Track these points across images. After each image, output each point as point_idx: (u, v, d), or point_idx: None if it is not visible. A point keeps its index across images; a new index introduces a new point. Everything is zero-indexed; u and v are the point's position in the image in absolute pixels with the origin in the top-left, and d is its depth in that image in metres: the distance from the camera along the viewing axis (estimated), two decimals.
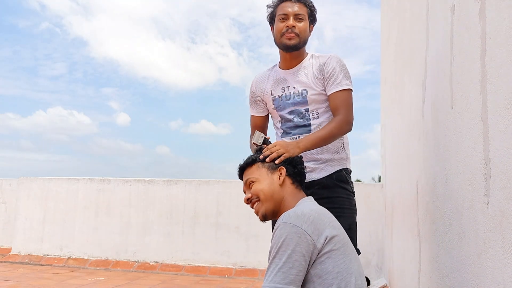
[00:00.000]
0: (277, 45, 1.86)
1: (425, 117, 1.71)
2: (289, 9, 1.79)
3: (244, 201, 1.46)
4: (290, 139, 1.81)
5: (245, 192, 1.47)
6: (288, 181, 1.42)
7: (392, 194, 3.20)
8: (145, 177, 4.95)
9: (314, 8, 1.85)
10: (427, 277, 1.63)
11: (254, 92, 1.97)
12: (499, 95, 0.85)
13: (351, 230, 1.78)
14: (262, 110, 1.97)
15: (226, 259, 4.43)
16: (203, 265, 4.43)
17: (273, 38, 1.88)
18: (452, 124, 1.23)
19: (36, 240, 4.99)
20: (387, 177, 3.73)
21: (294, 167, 1.46)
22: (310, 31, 1.86)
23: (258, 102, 1.96)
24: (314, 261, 1.17)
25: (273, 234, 1.22)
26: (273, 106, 1.89)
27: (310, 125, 1.82)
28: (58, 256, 4.87)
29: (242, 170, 1.49)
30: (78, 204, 4.95)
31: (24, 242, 5.03)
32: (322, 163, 1.82)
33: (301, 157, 1.57)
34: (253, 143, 1.67)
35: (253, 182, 1.42)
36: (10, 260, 4.89)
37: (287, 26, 1.78)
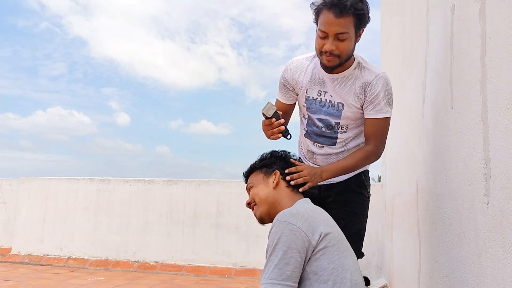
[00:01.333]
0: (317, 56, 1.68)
1: (425, 117, 1.71)
2: (330, 27, 1.53)
3: (245, 205, 1.56)
4: (314, 144, 1.79)
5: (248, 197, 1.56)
6: (283, 184, 1.47)
7: (392, 194, 3.20)
8: (145, 177, 4.95)
9: (364, 10, 1.55)
10: (427, 277, 1.63)
11: (286, 80, 1.77)
12: (499, 95, 0.85)
13: (359, 235, 1.79)
14: (291, 99, 1.81)
15: (226, 259, 4.43)
16: (203, 265, 4.43)
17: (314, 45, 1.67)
18: (452, 124, 1.23)
19: (36, 240, 4.99)
20: (387, 177, 3.73)
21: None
22: (358, 39, 1.62)
23: (289, 91, 1.79)
24: (309, 258, 1.19)
25: (269, 233, 1.24)
26: (305, 104, 1.77)
27: (336, 138, 1.75)
28: (58, 256, 4.87)
29: (246, 177, 1.59)
30: (78, 204, 4.95)
31: (24, 242, 5.03)
32: None
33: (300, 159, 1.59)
34: (263, 113, 1.59)
35: (252, 187, 1.52)
36: (10, 260, 4.89)
37: (326, 50, 1.57)
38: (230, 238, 4.46)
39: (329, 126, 1.73)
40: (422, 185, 1.77)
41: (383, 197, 4.02)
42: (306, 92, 1.74)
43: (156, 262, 4.55)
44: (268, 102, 1.59)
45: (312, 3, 1.59)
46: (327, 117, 1.72)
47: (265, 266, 1.19)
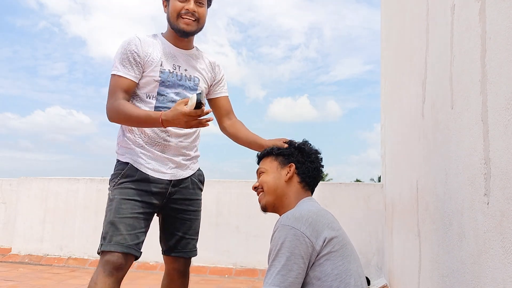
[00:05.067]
0: (170, 25, 1.71)
1: (425, 117, 1.71)
2: None
3: (252, 188, 1.50)
4: None
5: (257, 180, 1.51)
6: (296, 179, 1.42)
7: (392, 194, 3.20)
8: None
9: None
10: (427, 277, 1.63)
11: (136, 53, 1.65)
12: (499, 95, 0.85)
13: (198, 232, 1.85)
14: (138, 75, 1.67)
15: (226, 259, 4.43)
16: (203, 265, 4.43)
17: (166, 15, 1.73)
18: (452, 124, 1.23)
19: (36, 240, 4.99)
20: (387, 177, 3.73)
21: (306, 166, 1.44)
22: (207, 11, 1.75)
23: (139, 65, 1.66)
24: (313, 263, 1.17)
25: (272, 236, 1.22)
26: (159, 79, 1.67)
27: None
28: (58, 256, 4.87)
29: (260, 158, 1.53)
30: (78, 204, 4.95)
31: (24, 242, 5.03)
32: (189, 159, 1.78)
33: (319, 155, 1.50)
34: (200, 103, 1.46)
35: (263, 172, 1.46)
36: (10, 260, 4.89)
37: (187, 9, 1.66)
38: (230, 238, 4.46)
39: None
40: (422, 185, 1.77)
41: (383, 197, 4.02)
42: (161, 65, 1.69)
43: (156, 262, 4.54)
44: (201, 91, 1.58)
45: None
46: (184, 92, 1.71)
47: (268, 271, 1.18)
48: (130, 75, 1.65)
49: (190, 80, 1.73)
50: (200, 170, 1.86)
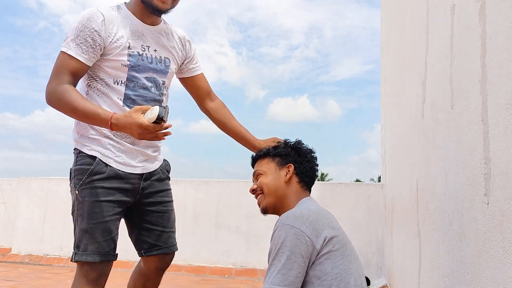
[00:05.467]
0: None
1: (425, 117, 1.71)
2: None
3: (250, 191, 1.48)
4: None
5: (253, 182, 1.49)
6: (295, 180, 1.42)
7: (392, 194, 3.20)
8: None
9: None
10: (427, 277, 1.63)
11: (97, 31, 1.42)
12: (499, 95, 0.85)
13: (175, 223, 1.73)
14: (93, 59, 1.45)
15: (226, 259, 4.43)
16: (203, 265, 4.43)
17: None
18: (452, 124, 1.23)
19: (36, 240, 4.99)
20: (387, 177, 3.73)
21: (304, 166, 1.44)
22: None
23: (97, 48, 1.44)
24: (313, 263, 1.17)
25: (272, 235, 1.22)
26: (128, 63, 1.48)
27: (162, 101, 1.60)
28: (58, 256, 4.87)
29: (254, 161, 1.51)
30: None
31: (24, 242, 5.03)
32: (156, 150, 1.66)
33: (313, 154, 1.49)
34: (161, 119, 1.35)
35: (261, 174, 1.44)
36: (10, 260, 4.88)
37: None
38: (230, 238, 4.46)
39: (158, 86, 1.57)
40: (422, 185, 1.77)
41: (383, 197, 4.02)
42: (129, 47, 1.48)
43: None
44: (166, 106, 1.39)
45: None
46: (155, 75, 1.55)
47: (268, 270, 1.18)
48: (83, 57, 1.42)
49: (161, 62, 1.57)
50: (166, 160, 1.74)
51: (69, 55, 1.41)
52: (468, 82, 1.07)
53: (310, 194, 1.46)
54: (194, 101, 1.82)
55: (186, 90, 1.82)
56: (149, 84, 1.54)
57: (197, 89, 1.77)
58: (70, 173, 1.54)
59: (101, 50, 1.45)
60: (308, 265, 1.17)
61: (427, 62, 1.68)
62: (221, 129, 1.80)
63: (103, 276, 1.50)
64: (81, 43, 1.42)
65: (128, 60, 1.48)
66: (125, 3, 1.57)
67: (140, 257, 1.71)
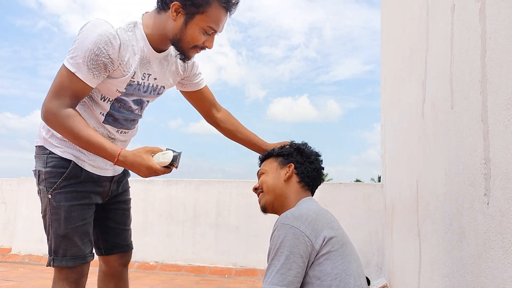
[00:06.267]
0: (175, 44, 1.42)
1: (425, 117, 1.71)
2: (222, 26, 1.42)
3: (252, 190, 1.50)
4: (118, 131, 1.53)
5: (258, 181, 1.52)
6: (295, 179, 1.43)
7: (392, 194, 3.20)
8: None
9: None
10: (427, 277, 1.63)
11: (110, 57, 1.33)
12: (499, 95, 0.85)
13: (131, 221, 1.75)
14: (99, 82, 1.38)
15: (226, 259, 4.43)
16: (203, 265, 4.43)
17: (173, 28, 1.38)
18: (452, 124, 1.23)
19: (36, 240, 4.99)
20: (387, 177, 3.73)
21: (305, 167, 1.44)
22: None
23: (108, 71, 1.36)
24: (312, 263, 1.17)
25: (271, 235, 1.22)
26: (124, 90, 1.44)
27: (141, 116, 1.61)
28: None
29: (261, 161, 1.55)
30: None
31: (24, 242, 5.03)
32: None
33: (319, 157, 1.50)
34: (174, 165, 1.36)
35: (263, 173, 1.47)
36: (10, 260, 4.89)
37: (206, 46, 1.43)
38: (230, 238, 4.46)
39: (142, 107, 1.57)
40: (422, 185, 1.77)
41: (383, 197, 4.02)
42: (133, 77, 1.42)
43: (156, 262, 4.55)
44: (179, 153, 1.37)
45: None
46: (143, 98, 1.53)
47: (267, 269, 1.18)
48: (93, 81, 1.35)
49: (155, 90, 1.53)
50: None
51: (77, 77, 1.32)
52: (468, 82, 1.07)
53: (312, 196, 1.47)
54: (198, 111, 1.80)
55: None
56: (135, 107, 1.52)
57: (202, 102, 1.75)
58: (39, 174, 1.50)
59: (109, 72, 1.38)
60: (307, 265, 1.16)
61: (427, 62, 1.68)
62: (230, 138, 1.80)
63: (84, 276, 1.52)
64: (93, 68, 1.32)
65: (125, 89, 1.43)
66: (142, 16, 1.45)
67: (98, 257, 1.71)
